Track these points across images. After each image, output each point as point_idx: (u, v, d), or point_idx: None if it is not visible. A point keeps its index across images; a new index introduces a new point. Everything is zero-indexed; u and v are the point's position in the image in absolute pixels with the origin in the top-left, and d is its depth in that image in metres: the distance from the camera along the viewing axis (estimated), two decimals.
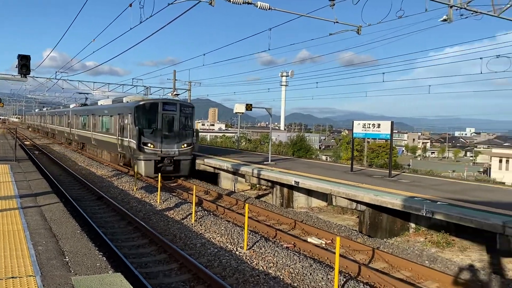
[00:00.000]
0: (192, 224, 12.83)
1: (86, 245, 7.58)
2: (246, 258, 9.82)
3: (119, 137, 23.74)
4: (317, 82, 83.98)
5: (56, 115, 48.93)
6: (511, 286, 8.92)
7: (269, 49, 15.92)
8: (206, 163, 22.54)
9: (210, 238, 11.47)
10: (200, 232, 12.05)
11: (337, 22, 12.17)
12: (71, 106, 43.78)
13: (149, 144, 21.16)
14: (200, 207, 15.28)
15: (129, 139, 21.98)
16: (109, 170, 24.39)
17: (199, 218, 13.36)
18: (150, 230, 11.41)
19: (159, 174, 17.54)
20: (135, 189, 18.44)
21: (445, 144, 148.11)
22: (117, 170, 24.38)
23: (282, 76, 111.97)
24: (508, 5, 14.30)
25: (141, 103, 21.90)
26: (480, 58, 17.77)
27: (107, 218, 13.53)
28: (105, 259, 6.92)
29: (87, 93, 40.33)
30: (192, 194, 13.67)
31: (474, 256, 11.94)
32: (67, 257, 6.79)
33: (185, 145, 22.14)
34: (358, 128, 19.06)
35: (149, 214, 14.17)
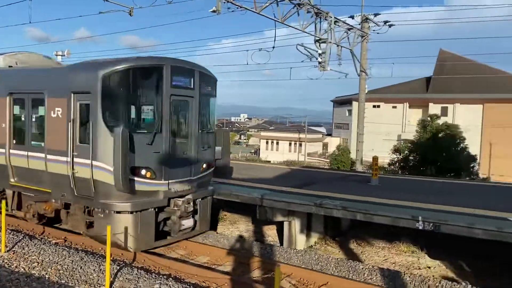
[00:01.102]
0: None
1: None
2: (4, 261, 8.54)
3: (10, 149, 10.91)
4: None
5: None
6: (268, 250, 10.31)
7: (30, 22, 14.08)
8: None
9: None
10: None
11: (107, 0, 11.57)
12: None
13: (143, 171, 9.06)
14: None
15: (80, 159, 9.25)
16: None
17: None
18: None
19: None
20: None
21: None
22: None
23: (57, 55, 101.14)
24: (267, 4, 16.28)
25: (120, 67, 8.82)
26: (247, 51, 19.76)
27: None
28: None
29: None
30: None
31: (242, 227, 13.38)
32: None
33: (205, 166, 10.53)
34: None
35: None
